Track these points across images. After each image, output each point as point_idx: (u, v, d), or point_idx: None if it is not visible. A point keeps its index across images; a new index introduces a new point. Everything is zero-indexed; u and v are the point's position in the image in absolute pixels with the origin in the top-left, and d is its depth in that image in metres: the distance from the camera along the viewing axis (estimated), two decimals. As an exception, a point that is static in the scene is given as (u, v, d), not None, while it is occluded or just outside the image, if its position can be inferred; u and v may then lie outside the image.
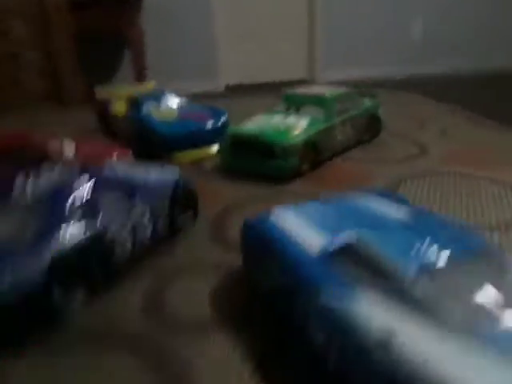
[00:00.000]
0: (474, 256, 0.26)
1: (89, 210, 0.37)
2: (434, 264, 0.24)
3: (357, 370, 0.22)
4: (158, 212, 0.43)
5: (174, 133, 0.70)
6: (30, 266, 0.31)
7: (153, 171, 0.49)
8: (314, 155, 0.64)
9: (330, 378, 0.24)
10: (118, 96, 0.83)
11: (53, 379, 0.29)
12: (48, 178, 0.39)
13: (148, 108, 0.76)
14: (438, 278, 0.23)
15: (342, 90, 0.73)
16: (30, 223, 0.34)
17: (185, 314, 0.35)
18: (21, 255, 0.32)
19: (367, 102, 0.76)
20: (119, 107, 0.79)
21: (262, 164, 0.61)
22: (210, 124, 0.73)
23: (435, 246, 0.26)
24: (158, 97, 0.80)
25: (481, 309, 0.21)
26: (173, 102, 0.80)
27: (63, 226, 0.35)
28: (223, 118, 0.75)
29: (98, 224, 0.37)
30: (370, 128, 0.75)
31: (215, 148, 0.72)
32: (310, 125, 0.64)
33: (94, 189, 0.39)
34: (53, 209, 0.35)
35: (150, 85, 0.93)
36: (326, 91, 0.70)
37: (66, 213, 0.35)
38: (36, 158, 0.53)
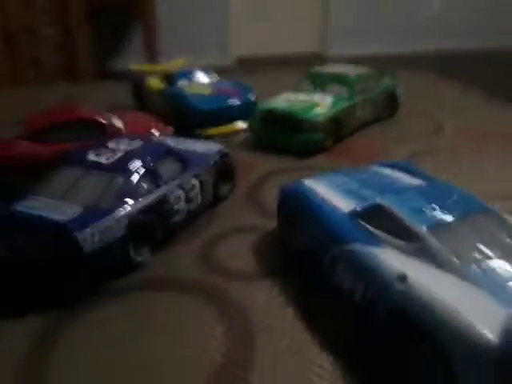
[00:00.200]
0: (475, 214, 0.32)
1: (153, 177, 0.44)
2: (440, 221, 0.31)
3: (378, 300, 0.29)
4: (205, 181, 0.50)
5: (209, 107, 0.76)
6: (113, 225, 0.39)
7: (198, 144, 0.55)
8: (337, 131, 0.69)
9: (356, 310, 0.32)
10: (152, 72, 0.89)
11: (128, 312, 0.37)
12: (117, 148, 0.46)
13: (182, 84, 0.82)
14: (442, 233, 0.30)
15: (363, 69, 0.77)
16: (110, 188, 0.41)
17: (232, 265, 0.43)
18: (105, 215, 0.39)
19: (386, 81, 0.81)
20: (154, 83, 0.85)
21: (290, 138, 0.68)
22: (241, 99, 0.79)
23: (442, 207, 0.32)
24: (190, 73, 0.86)
25: (472, 257, 0.28)
26: (204, 78, 0.86)
27: (136, 190, 0.42)
28: (252, 94, 0.81)
29: (161, 190, 0.44)
30: (389, 106, 0.80)
31: (244, 123, 0.78)
32: (334, 103, 0.70)
33: (155, 158, 0.46)
34: (127, 175, 0.42)
35: (180, 61, 0.98)
36: (349, 71, 0.75)
37: (137, 179, 0.43)
38: (96, 131, 0.60)
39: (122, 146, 0.47)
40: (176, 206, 0.46)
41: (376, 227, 0.33)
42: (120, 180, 0.42)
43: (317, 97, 0.71)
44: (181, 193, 0.46)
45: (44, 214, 0.38)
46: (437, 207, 0.32)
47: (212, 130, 0.76)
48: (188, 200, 0.47)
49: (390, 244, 0.31)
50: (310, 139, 0.66)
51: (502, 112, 0.85)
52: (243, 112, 0.78)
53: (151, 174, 0.45)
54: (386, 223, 0.32)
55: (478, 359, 0.23)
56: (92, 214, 0.39)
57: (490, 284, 0.26)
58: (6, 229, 0.39)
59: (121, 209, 0.40)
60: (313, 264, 0.38)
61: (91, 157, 0.46)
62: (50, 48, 2.48)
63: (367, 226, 0.33)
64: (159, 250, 0.45)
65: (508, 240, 0.29)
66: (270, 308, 0.36)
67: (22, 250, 0.38)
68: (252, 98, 0.80)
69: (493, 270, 0.27)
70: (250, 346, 0.33)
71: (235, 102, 0.79)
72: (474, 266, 0.27)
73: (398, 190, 0.37)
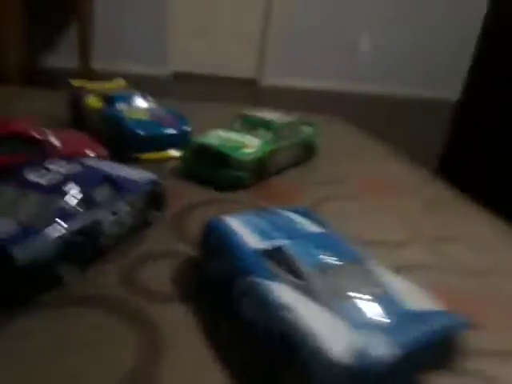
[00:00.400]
0: (353, 262, 0.42)
1: (88, 201, 0.48)
2: (325, 266, 0.40)
3: (272, 326, 0.37)
4: (136, 206, 0.55)
5: (145, 133, 0.80)
6: (46, 243, 0.43)
7: (132, 171, 0.60)
8: (260, 171, 0.78)
9: (256, 334, 0.39)
10: (92, 90, 0.92)
11: (52, 326, 0.41)
12: (56, 171, 0.50)
13: (121, 106, 0.86)
14: (325, 275, 0.39)
15: (287, 117, 0.88)
16: (46, 209, 0.45)
17: (153, 287, 0.48)
18: (40, 233, 0.43)
19: (307, 129, 0.92)
20: (93, 102, 0.88)
21: (217, 172, 0.75)
22: (176, 128, 0.85)
23: (328, 254, 0.41)
24: (129, 96, 0.90)
25: (345, 297, 0.37)
26: (142, 103, 0.91)
27: (71, 213, 0.46)
28: (187, 125, 0.87)
29: (95, 214, 0.48)
30: (307, 152, 0.92)
31: (177, 152, 0.84)
32: (261, 145, 0.79)
33: (92, 184, 0.50)
34: (64, 198, 0.46)
35: (121, 82, 1.02)
36: (276, 118, 0.85)
37: (73, 203, 0.47)
38: (33, 147, 0.62)
39: (61, 169, 0.51)
40: (107, 230, 0.50)
41: (276, 265, 0.41)
42: (57, 202, 0.46)
43: (246, 138, 0.80)
44: (112, 217, 0.51)
45: (-20, 228, 0.41)
46: (324, 253, 0.41)
47: (146, 155, 0.81)
48: (118, 224, 0.52)
49: (285, 281, 0.39)
50: (235, 176, 0.74)
51: (404, 169, 1.00)
52: (177, 141, 0.84)
53: (87, 199, 0.49)
54: (284, 263, 0.40)
55: (333, 377, 0.32)
56: (28, 232, 0.42)
57: (355, 318, 0.35)
58: None
59: (55, 229, 0.44)
60: (224, 291, 0.45)
61: (30, 176, 0.49)
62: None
63: (269, 263, 0.41)
64: (87, 269, 0.49)
65: (374, 288, 0.39)
66: (183, 328, 0.42)
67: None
68: (187, 128, 0.86)
69: (358, 309, 0.37)
70: (161, 362, 0.38)
71: (171, 130, 0.84)
72: (345, 304, 0.36)
73: (297, 235, 0.46)
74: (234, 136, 0.80)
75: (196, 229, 0.61)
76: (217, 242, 0.48)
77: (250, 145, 0.78)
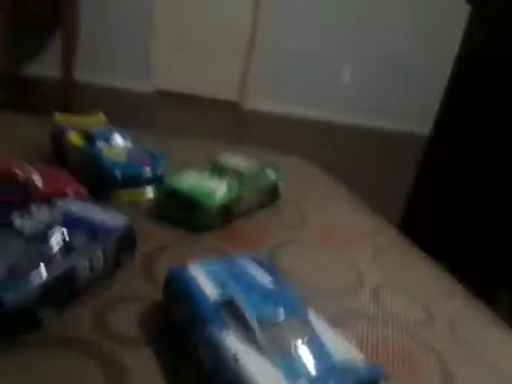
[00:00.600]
0: (297, 316, 0.49)
1: (68, 247, 0.54)
2: (270, 319, 0.47)
3: (222, 373, 0.44)
4: (109, 250, 0.61)
5: (123, 173, 0.87)
6: (30, 288, 0.48)
7: (107, 214, 0.66)
8: (226, 215, 0.86)
9: (209, 378, 0.46)
10: (73, 126, 0.98)
11: (27, 365, 0.47)
12: (39, 217, 0.56)
13: (101, 145, 0.92)
14: (269, 328, 0.46)
15: (253, 163, 0.96)
16: (31, 255, 0.50)
17: (122, 330, 0.54)
18: (25, 278, 0.48)
19: (272, 175, 1.00)
20: (74, 139, 0.93)
21: (187, 215, 0.82)
22: (151, 169, 0.91)
23: (276, 307, 0.49)
24: (109, 134, 0.96)
25: (286, 348, 0.45)
26: (120, 141, 0.97)
27: (52, 259, 0.52)
28: (161, 166, 0.94)
29: (72, 260, 0.54)
30: (271, 196, 1.00)
31: (151, 192, 0.90)
32: (228, 191, 0.86)
33: (72, 230, 0.56)
34: (46, 245, 0.52)
35: (101, 118, 1.08)
36: (242, 164, 0.93)
37: (55, 250, 0.52)
38: (16, 188, 0.67)
39: (45, 215, 0.57)
40: (82, 274, 0.56)
41: (228, 316, 0.48)
42: (40, 248, 0.52)
43: (214, 183, 0.87)
44: (87, 262, 0.57)
45: (-31, 271, 0.46)
46: (270, 307, 0.49)
47: (121, 195, 0.87)
48: (92, 268, 0.58)
49: (235, 331, 0.46)
50: (204, 220, 0.81)
51: (364, 217, 1.09)
52: (152, 180, 0.91)
53: (66, 245, 0.55)
54: (235, 314, 0.48)
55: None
56: (14, 277, 0.48)
57: (291, 370, 0.43)
58: None
59: (38, 274, 0.50)
60: (185, 337, 0.51)
61: (17, 222, 0.54)
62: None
63: (223, 313, 0.49)
64: (63, 311, 0.54)
65: (309, 341, 0.46)
66: (149, 372, 0.48)
67: None
68: (161, 170, 0.93)
69: (294, 361, 0.44)
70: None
71: (147, 170, 0.91)
72: (284, 357, 0.43)
73: (249, 286, 0.53)
74: (204, 181, 0.87)
75: (163, 271, 0.67)
76: (178, 289, 0.55)
77: (219, 190, 0.85)
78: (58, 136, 0.96)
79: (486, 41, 1.74)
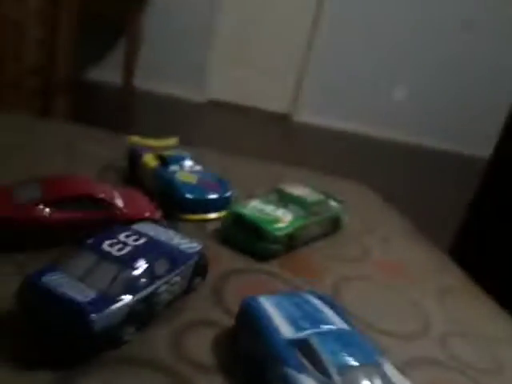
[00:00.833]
0: (369, 364, 0.49)
1: (150, 272, 0.58)
2: (346, 365, 0.47)
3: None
4: (185, 276, 0.64)
5: (193, 196, 0.91)
6: (117, 311, 0.51)
7: (183, 240, 0.69)
8: (291, 244, 0.87)
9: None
10: (147, 147, 1.03)
11: (97, 381, 0.50)
12: (126, 242, 0.59)
13: (174, 168, 0.97)
14: (346, 374, 0.46)
15: (318, 195, 0.97)
16: (118, 278, 0.54)
17: (194, 355, 0.56)
18: (113, 302, 0.52)
19: (335, 206, 1.01)
20: (148, 160, 0.99)
21: (252, 242, 0.84)
22: (220, 194, 0.95)
23: (350, 352, 0.49)
24: (182, 158, 1.01)
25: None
26: (192, 165, 1.01)
27: (137, 283, 0.55)
28: (230, 191, 0.97)
29: (154, 285, 0.58)
30: (333, 226, 1.00)
31: (218, 214, 0.93)
32: (293, 220, 0.88)
33: (154, 256, 0.59)
34: (132, 269, 0.56)
35: (173, 141, 1.13)
36: (307, 194, 0.94)
37: (139, 274, 0.56)
38: (99, 207, 0.71)
39: (130, 241, 0.61)
40: (162, 298, 0.59)
41: (304, 357, 0.49)
42: (126, 272, 0.55)
43: (280, 212, 0.89)
44: (166, 287, 0.60)
45: (67, 291, 0.51)
46: (346, 352, 0.49)
47: (190, 216, 0.91)
48: (169, 292, 0.61)
49: (312, 374, 0.47)
50: (269, 248, 0.83)
51: (421, 246, 1.06)
52: (219, 205, 0.94)
53: (149, 270, 0.58)
54: (312, 356, 0.48)
55: None
56: (103, 300, 0.52)
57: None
58: (33, 296, 0.50)
59: (124, 298, 0.53)
60: (257, 371, 0.53)
61: (105, 247, 0.58)
62: (33, 47, 2.47)
63: (298, 354, 0.49)
64: (142, 332, 0.57)
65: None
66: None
67: (40, 317, 0.49)
68: (229, 194, 0.96)
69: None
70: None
71: (215, 195, 0.94)
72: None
73: (321, 327, 0.54)
74: (269, 209, 0.89)
75: (232, 297, 0.69)
76: (252, 322, 0.57)
77: (283, 219, 0.87)
78: (134, 157, 1.02)
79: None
